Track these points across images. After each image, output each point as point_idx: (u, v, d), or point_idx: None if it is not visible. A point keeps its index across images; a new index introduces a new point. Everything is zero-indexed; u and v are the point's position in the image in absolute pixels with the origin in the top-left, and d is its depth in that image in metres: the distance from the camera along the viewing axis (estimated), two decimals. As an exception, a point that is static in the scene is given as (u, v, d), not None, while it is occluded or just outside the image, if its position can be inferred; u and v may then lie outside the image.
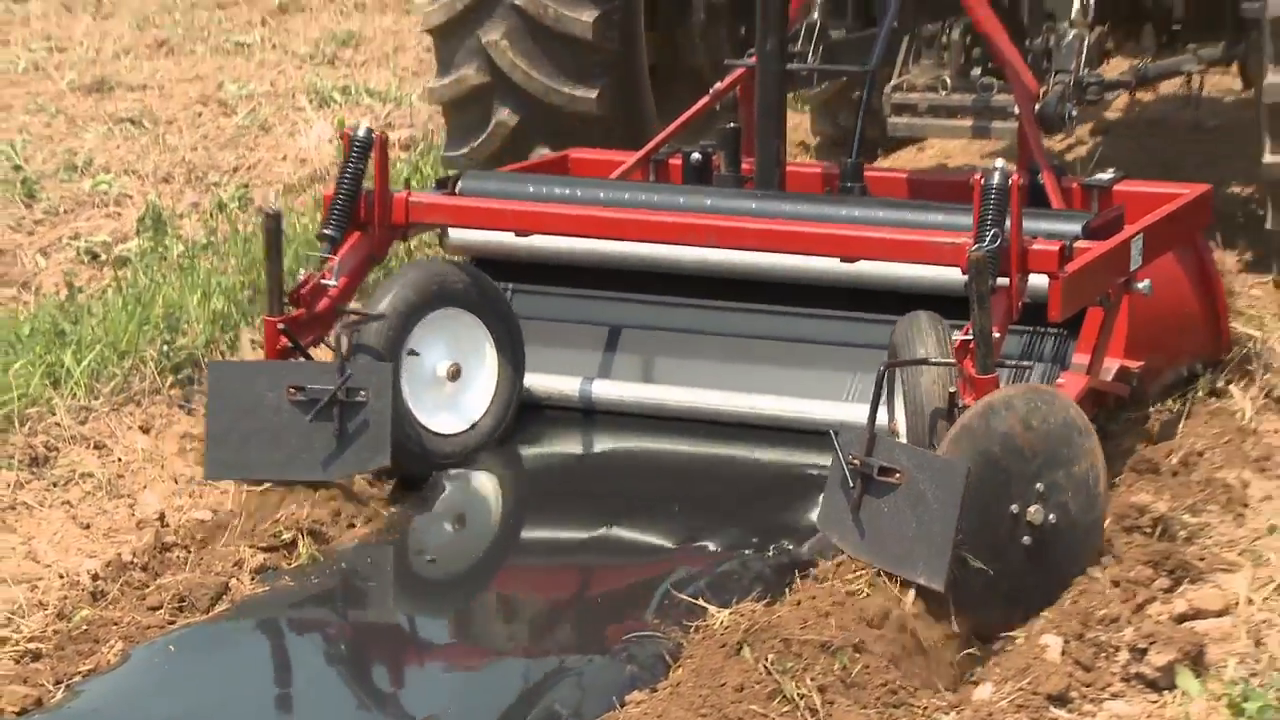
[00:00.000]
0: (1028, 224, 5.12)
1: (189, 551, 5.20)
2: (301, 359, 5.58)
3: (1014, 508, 4.63)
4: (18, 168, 9.40)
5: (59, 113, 10.79)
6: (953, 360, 4.79)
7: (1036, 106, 6.33)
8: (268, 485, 5.38)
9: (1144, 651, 4.43)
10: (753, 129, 6.21)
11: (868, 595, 4.55)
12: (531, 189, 6.07)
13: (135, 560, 5.13)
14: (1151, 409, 5.84)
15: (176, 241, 8.00)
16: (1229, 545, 5.12)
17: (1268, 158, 6.41)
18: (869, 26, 7.11)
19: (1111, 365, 5.57)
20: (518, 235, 6.05)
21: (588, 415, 6.04)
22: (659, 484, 5.68)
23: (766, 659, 4.33)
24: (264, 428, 5.41)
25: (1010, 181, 4.98)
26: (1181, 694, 4.34)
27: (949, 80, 6.78)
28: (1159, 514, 5.02)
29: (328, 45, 12.60)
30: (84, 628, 4.80)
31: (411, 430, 5.66)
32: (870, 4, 7.20)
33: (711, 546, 5.18)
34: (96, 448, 6.09)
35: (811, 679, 4.29)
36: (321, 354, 5.76)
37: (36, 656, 4.73)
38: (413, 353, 5.73)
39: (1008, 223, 4.97)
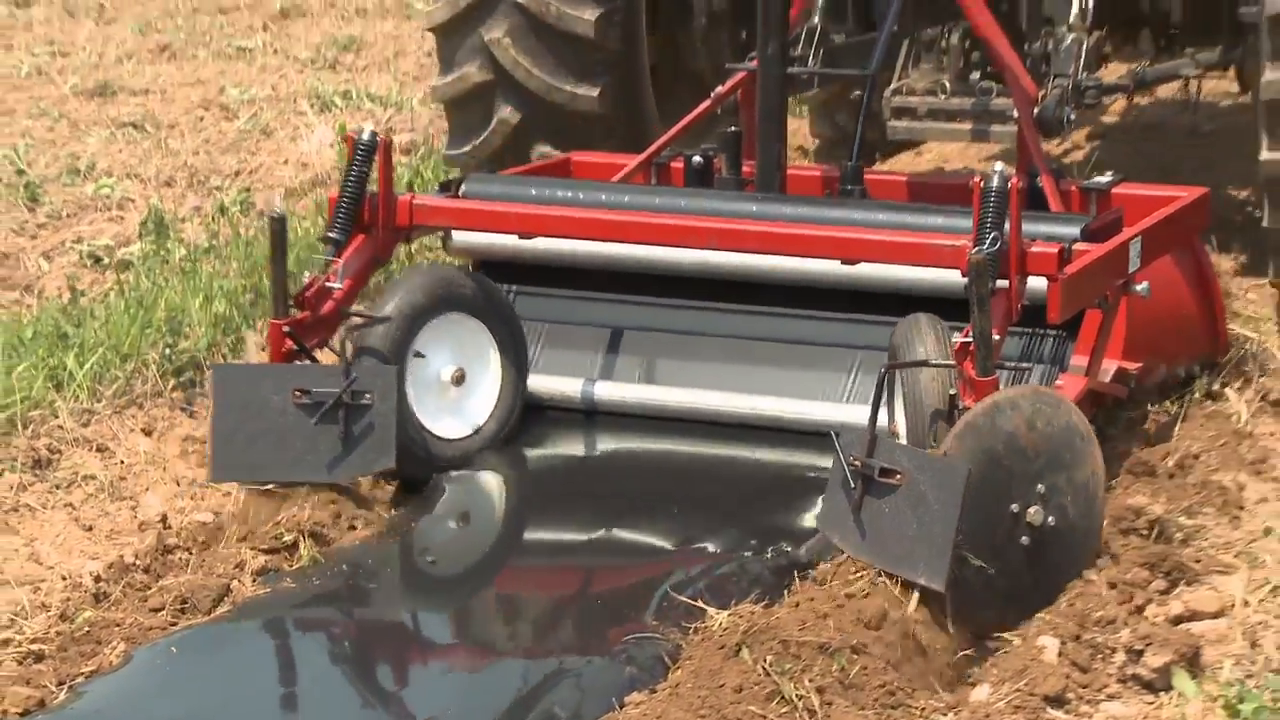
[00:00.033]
0: (1027, 227, 5.14)
1: (191, 553, 5.21)
2: (307, 361, 5.58)
3: (1014, 507, 4.64)
4: (21, 172, 9.42)
5: (62, 117, 10.81)
6: (952, 362, 4.81)
7: (1035, 110, 6.34)
8: (269, 487, 5.38)
9: (1140, 653, 4.44)
10: (754, 132, 6.22)
11: (866, 597, 4.56)
12: (534, 192, 6.09)
13: (137, 562, 5.14)
14: (1149, 411, 5.85)
15: (178, 245, 8.02)
16: (1225, 547, 5.12)
17: (1265, 155, 6.40)
18: (869, 31, 7.12)
19: (1110, 367, 5.59)
20: (521, 238, 6.07)
21: (589, 416, 6.05)
22: (659, 485, 5.69)
23: (765, 660, 4.34)
24: (269, 430, 5.40)
25: (1009, 184, 5.00)
26: (1177, 695, 4.35)
27: (948, 84, 6.79)
28: (1155, 516, 5.03)
29: (329, 50, 12.62)
30: (86, 629, 4.81)
31: (416, 434, 5.66)
32: (870, 8, 7.21)
33: (711, 548, 5.19)
34: (99, 450, 6.11)
35: (810, 680, 4.30)
36: (326, 356, 5.77)
37: (39, 658, 4.74)
38: (418, 355, 5.74)
39: (1007, 225, 4.99)
